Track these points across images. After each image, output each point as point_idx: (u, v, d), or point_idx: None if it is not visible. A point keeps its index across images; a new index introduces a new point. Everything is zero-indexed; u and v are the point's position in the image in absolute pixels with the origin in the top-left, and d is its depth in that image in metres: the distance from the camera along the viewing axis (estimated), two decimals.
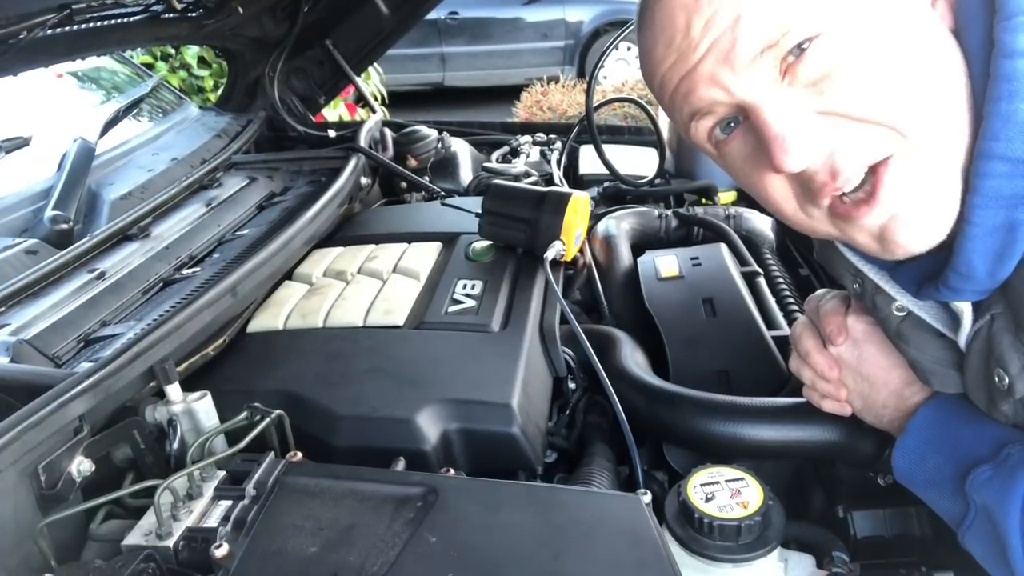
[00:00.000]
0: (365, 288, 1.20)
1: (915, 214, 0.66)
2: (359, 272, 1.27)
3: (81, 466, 0.76)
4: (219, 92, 2.14)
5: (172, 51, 4.18)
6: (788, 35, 0.62)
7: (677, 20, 0.66)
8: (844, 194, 0.68)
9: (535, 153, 2.05)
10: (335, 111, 3.96)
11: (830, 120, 0.64)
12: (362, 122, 1.89)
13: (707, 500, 0.82)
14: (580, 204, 1.26)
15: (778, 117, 0.64)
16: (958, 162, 0.65)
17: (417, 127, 2.01)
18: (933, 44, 0.65)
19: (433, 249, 1.33)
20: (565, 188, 1.50)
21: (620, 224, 1.64)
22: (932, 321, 0.78)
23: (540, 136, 2.14)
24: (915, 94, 0.63)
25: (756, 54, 0.63)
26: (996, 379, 0.71)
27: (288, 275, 1.28)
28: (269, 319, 1.15)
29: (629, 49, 7.34)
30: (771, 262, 1.55)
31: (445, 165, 1.95)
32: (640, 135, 2.15)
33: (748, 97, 0.65)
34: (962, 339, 0.75)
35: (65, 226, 1.25)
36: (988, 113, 0.61)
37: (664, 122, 1.88)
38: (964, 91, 0.65)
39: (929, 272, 0.71)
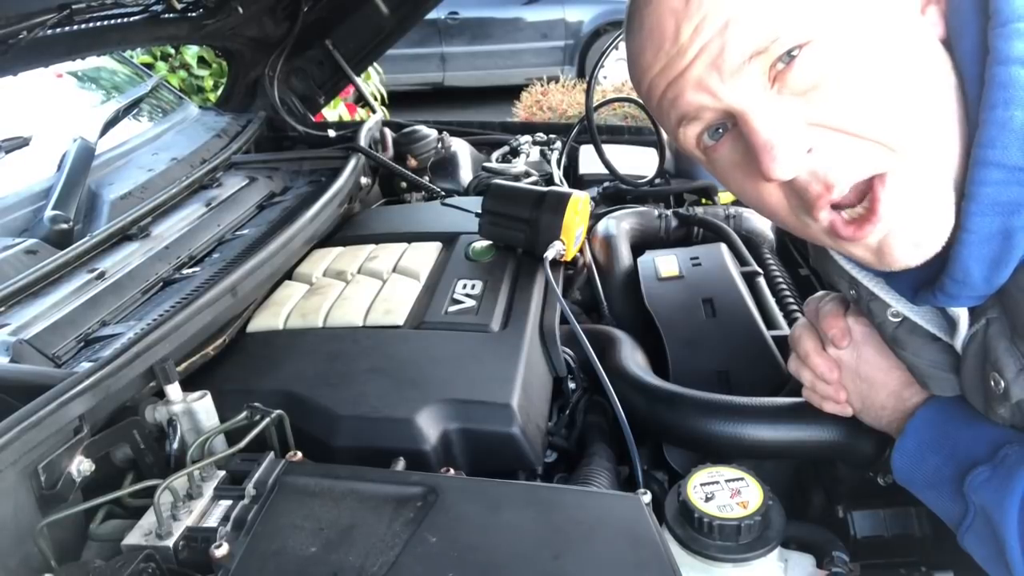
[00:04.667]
0: (365, 288, 1.20)
1: (912, 228, 0.66)
2: (359, 272, 1.27)
3: (81, 466, 0.76)
4: (219, 92, 2.14)
5: (172, 51, 4.17)
6: (777, 41, 0.62)
7: (666, 25, 0.65)
8: (841, 207, 0.67)
9: (535, 153, 2.05)
10: (335, 111, 3.96)
11: (820, 132, 0.64)
12: (362, 122, 1.89)
13: (707, 500, 0.82)
14: (580, 204, 1.26)
15: (767, 125, 0.64)
16: (951, 171, 0.65)
17: (417, 127, 2.01)
18: (923, 53, 0.65)
19: (433, 249, 1.33)
20: (565, 188, 1.50)
21: (620, 224, 1.64)
22: (928, 326, 0.79)
23: (540, 136, 2.13)
24: (905, 107, 0.63)
25: (744, 59, 0.63)
26: (992, 383, 0.71)
27: (288, 275, 1.28)
28: (269, 319, 1.15)
29: None
30: (771, 262, 1.55)
31: (445, 165, 1.95)
32: (640, 135, 2.15)
33: (736, 104, 0.65)
34: (958, 343, 0.75)
35: (65, 226, 1.25)
36: (984, 120, 0.61)
37: None
38: (955, 100, 0.65)
39: (925, 278, 0.71)
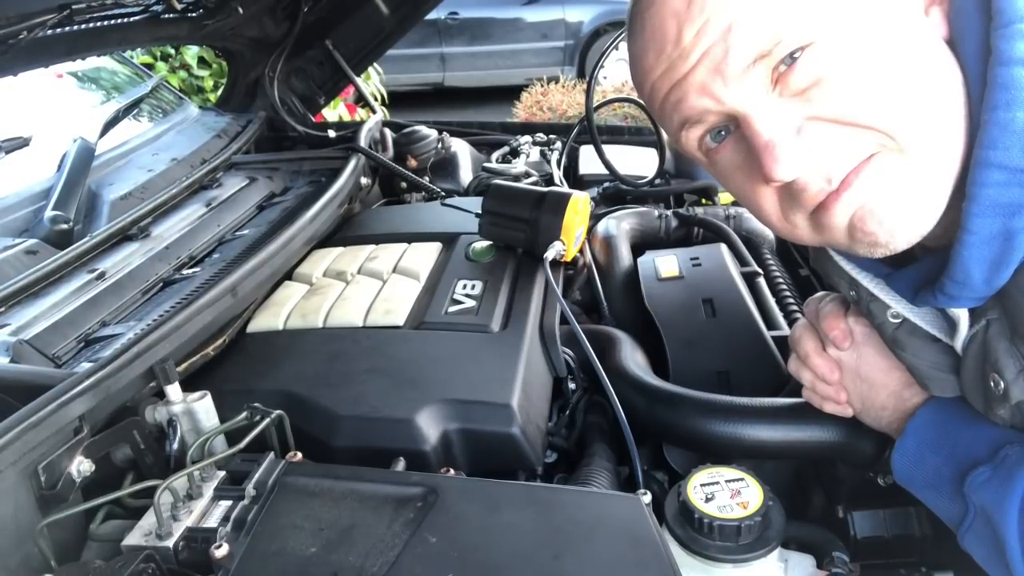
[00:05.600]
0: (365, 288, 1.20)
1: (886, 209, 0.66)
2: (359, 272, 1.27)
3: (81, 466, 0.76)
4: (219, 92, 2.14)
5: (172, 51, 4.18)
6: (780, 44, 0.62)
7: (668, 29, 0.65)
8: None
9: (535, 153, 2.05)
10: (335, 111, 3.96)
11: (819, 126, 0.64)
12: (362, 122, 1.89)
13: (707, 500, 0.82)
14: (580, 204, 1.26)
15: (769, 127, 0.64)
16: (949, 167, 0.65)
17: (417, 127, 2.01)
18: (925, 52, 0.65)
19: (433, 249, 1.33)
20: (565, 188, 1.50)
21: (620, 224, 1.64)
22: (928, 327, 0.78)
23: (540, 136, 2.14)
24: (904, 101, 0.63)
25: (748, 64, 0.63)
26: (992, 384, 0.71)
27: (288, 275, 1.28)
28: (269, 319, 1.15)
29: None
30: (771, 262, 1.55)
31: (445, 165, 1.95)
32: (640, 135, 2.15)
33: (739, 107, 0.65)
34: (958, 344, 0.75)
35: (65, 226, 1.25)
36: (985, 121, 0.61)
37: None
38: (958, 99, 0.65)
39: (925, 279, 0.71)
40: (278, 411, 0.87)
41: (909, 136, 0.63)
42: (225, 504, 0.75)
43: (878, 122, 0.63)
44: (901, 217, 0.66)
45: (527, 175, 1.84)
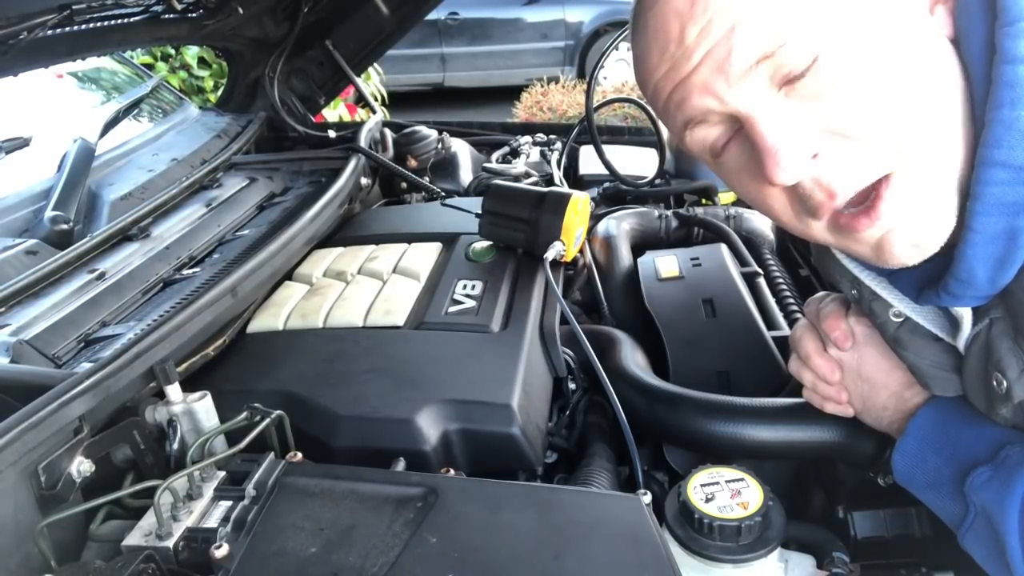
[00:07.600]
0: (365, 288, 1.20)
1: (913, 227, 0.66)
2: (359, 272, 1.27)
3: (81, 466, 0.76)
4: (219, 92, 2.14)
5: (172, 51, 4.18)
6: (784, 46, 0.61)
7: (671, 28, 0.65)
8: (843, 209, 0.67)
9: (535, 153, 2.05)
10: (335, 111, 3.96)
11: (826, 137, 0.64)
12: (362, 122, 1.89)
13: (707, 500, 0.82)
14: (580, 204, 1.26)
15: (772, 129, 0.64)
16: (955, 172, 0.65)
17: (417, 127, 2.01)
18: (930, 54, 0.64)
19: (433, 249, 1.33)
20: (565, 188, 1.50)
21: (620, 224, 1.64)
22: (930, 326, 0.78)
23: (540, 136, 2.14)
24: (912, 110, 0.63)
25: (751, 64, 0.63)
26: (994, 383, 0.71)
27: (288, 275, 1.28)
28: (269, 319, 1.15)
29: (629, 50, 7.30)
30: (771, 262, 1.55)
31: (445, 165, 1.95)
32: (640, 135, 2.15)
33: (742, 108, 0.65)
34: (961, 343, 0.75)
35: (65, 226, 1.25)
36: (990, 120, 0.61)
37: None
38: (962, 101, 0.64)
39: (929, 278, 0.71)
40: (278, 411, 0.87)
41: (916, 147, 0.63)
42: (225, 504, 0.75)
43: (886, 136, 0.63)
44: (929, 230, 0.66)
45: (527, 175, 1.84)
